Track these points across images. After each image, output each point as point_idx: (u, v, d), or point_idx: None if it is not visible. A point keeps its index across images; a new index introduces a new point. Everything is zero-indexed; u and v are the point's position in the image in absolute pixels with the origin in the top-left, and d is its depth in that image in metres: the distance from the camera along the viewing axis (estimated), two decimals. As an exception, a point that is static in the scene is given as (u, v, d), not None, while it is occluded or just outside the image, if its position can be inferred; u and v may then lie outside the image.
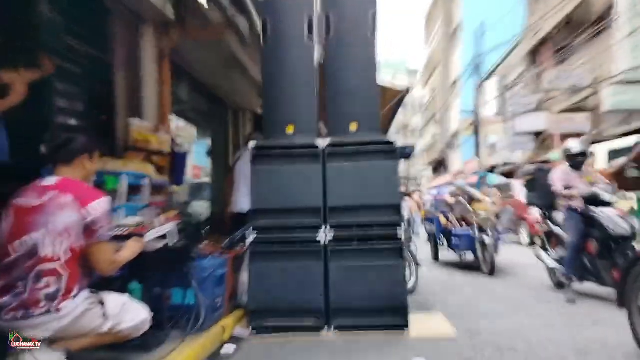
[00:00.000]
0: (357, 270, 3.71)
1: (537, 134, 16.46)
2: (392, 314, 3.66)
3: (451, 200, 7.98)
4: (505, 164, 18.28)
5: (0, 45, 3.15)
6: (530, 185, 6.19)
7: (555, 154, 13.19)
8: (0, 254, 2.12)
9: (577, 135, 13.98)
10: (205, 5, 4.49)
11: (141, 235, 2.85)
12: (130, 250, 2.47)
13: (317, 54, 4.23)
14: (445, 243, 7.99)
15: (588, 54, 13.72)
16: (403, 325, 3.63)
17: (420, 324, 3.82)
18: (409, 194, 15.35)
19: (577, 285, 4.84)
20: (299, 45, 4.11)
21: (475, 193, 7.71)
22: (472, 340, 3.47)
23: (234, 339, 3.58)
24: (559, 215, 5.21)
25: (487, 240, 6.66)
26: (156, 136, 4.19)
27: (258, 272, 3.76)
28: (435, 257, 8.63)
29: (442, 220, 8.01)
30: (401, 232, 3.81)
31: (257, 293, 3.73)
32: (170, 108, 4.83)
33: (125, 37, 4.41)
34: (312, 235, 3.78)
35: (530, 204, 6.38)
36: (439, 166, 33.67)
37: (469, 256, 7.49)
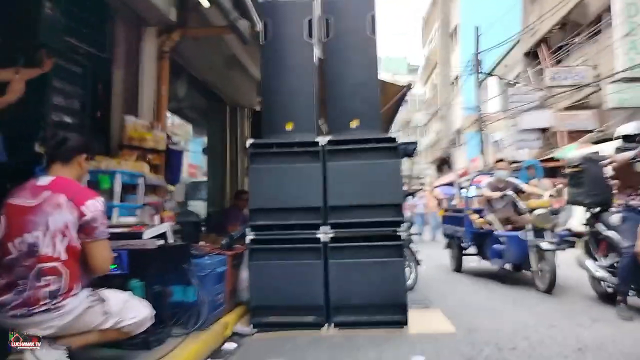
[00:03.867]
0: (357, 267, 3.83)
1: (543, 131, 16.56)
2: (392, 310, 3.78)
3: (492, 194, 6.30)
4: (511, 162, 18.33)
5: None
6: (575, 179, 5.01)
7: (560, 153, 13.29)
8: (0, 252, 2.21)
9: (583, 132, 14.12)
10: (206, 5, 4.57)
11: (139, 235, 2.93)
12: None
13: (316, 52, 4.32)
14: (471, 249, 6.80)
15: (587, 52, 13.93)
16: (402, 322, 3.75)
17: (420, 320, 3.94)
18: (418, 190, 14.96)
19: (633, 300, 4.23)
20: (299, 43, 4.23)
21: (526, 186, 6.33)
22: (472, 337, 3.58)
23: (235, 336, 3.70)
24: (611, 216, 4.49)
25: (546, 246, 5.21)
26: (151, 134, 4.26)
27: (258, 270, 3.88)
28: (458, 267, 7.28)
29: (476, 220, 6.52)
30: (402, 231, 3.90)
31: (257, 290, 3.85)
32: (167, 105, 4.90)
33: (126, 36, 4.49)
34: (312, 233, 3.88)
35: (573, 202, 5.12)
36: (443, 164, 33.72)
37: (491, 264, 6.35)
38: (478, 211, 6.80)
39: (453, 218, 7.45)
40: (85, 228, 2.24)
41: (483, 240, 6.43)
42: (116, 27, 4.41)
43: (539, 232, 5.40)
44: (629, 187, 4.27)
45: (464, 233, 6.69)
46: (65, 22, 3.59)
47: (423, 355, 3.14)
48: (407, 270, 5.06)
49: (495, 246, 5.91)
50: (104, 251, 2.33)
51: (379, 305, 3.78)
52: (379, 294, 3.77)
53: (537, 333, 3.66)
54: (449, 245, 7.69)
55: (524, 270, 6.28)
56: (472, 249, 6.91)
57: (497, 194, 6.21)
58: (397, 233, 3.86)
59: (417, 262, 5.81)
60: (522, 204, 5.85)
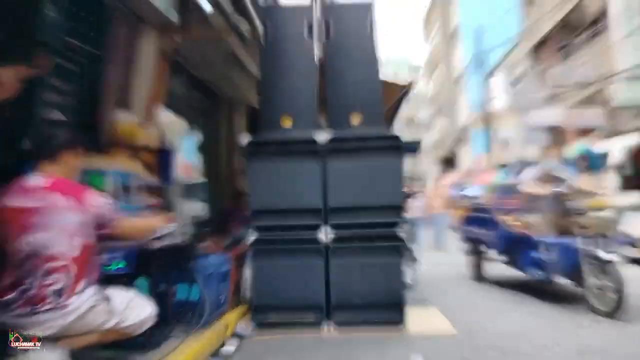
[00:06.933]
0: (357, 267, 3.84)
1: (549, 129, 16.47)
2: (391, 310, 3.79)
3: (539, 190, 5.03)
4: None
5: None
6: None
7: (569, 150, 13.20)
8: (1, 253, 2.20)
9: (591, 130, 14.03)
10: (207, 9, 4.56)
11: None
12: (153, 221, 2.70)
13: (317, 52, 4.34)
14: (499, 256, 5.71)
15: (590, 52, 13.88)
16: (402, 322, 3.77)
17: (418, 320, 3.96)
18: (418, 192, 13.89)
19: None
20: (299, 42, 4.26)
21: (580, 181, 5.04)
22: (471, 339, 3.56)
23: (236, 335, 3.72)
24: None
25: (608, 257, 4.17)
26: (144, 131, 4.22)
27: (260, 270, 3.90)
28: (478, 276, 6.32)
29: (511, 222, 5.33)
30: (402, 232, 3.89)
31: (259, 290, 3.88)
32: (162, 102, 4.88)
33: (122, 34, 4.47)
34: (313, 233, 3.89)
35: None
36: (447, 163, 33.60)
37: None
38: (509, 211, 5.52)
39: (477, 219, 6.19)
40: (103, 223, 2.30)
41: (517, 247, 5.25)
42: (113, 25, 4.39)
43: (595, 240, 4.36)
44: (627, 187, 4.13)
45: (492, 237, 5.59)
46: (58, 18, 3.57)
47: (422, 356, 3.14)
48: (406, 269, 5.03)
49: (536, 255, 4.80)
50: (128, 227, 2.43)
51: (378, 304, 3.80)
52: (378, 294, 3.79)
53: (538, 335, 3.64)
54: (469, 251, 6.65)
55: (574, 285, 4.82)
56: (501, 256, 5.74)
57: (545, 189, 4.95)
58: (398, 234, 3.85)
59: (417, 262, 5.79)
60: (577, 204, 4.70)
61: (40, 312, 2.09)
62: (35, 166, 2.36)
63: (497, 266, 5.99)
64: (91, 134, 4.17)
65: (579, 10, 14.04)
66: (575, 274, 4.55)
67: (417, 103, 41.43)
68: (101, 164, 3.53)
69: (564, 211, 4.85)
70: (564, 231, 4.74)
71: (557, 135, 16.22)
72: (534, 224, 4.93)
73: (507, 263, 5.67)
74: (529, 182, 5.23)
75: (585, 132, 14.08)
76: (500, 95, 20.39)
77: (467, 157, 27.11)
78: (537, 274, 4.91)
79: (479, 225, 6.08)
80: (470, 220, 6.52)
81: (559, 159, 5.46)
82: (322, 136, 3.98)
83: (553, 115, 15.88)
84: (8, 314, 2.10)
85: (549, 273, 4.74)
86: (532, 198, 5.09)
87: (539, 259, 4.77)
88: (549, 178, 5.10)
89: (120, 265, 2.68)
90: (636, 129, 10.75)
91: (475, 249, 6.38)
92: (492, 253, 5.80)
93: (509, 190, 5.69)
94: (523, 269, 5.23)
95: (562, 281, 4.97)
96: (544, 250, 4.71)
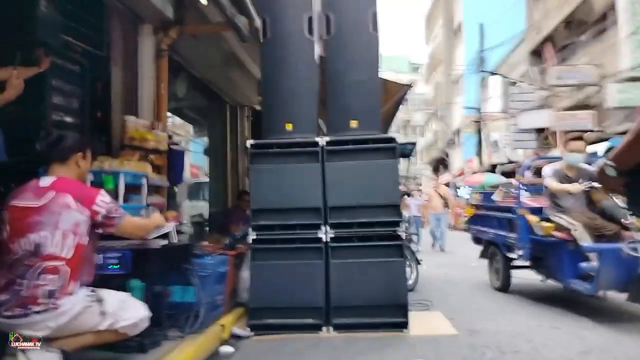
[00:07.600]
0: (357, 268, 3.75)
1: (539, 132, 16.49)
2: (392, 312, 3.70)
3: (568, 187, 4.34)
4: (507, 163, 18.30)
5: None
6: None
7: (557, 152, 13.22)
8: (3, 252, 2.16)
9: (581, 132, 14.04)
10: (204, 2, 4.50)
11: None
12: (156, 219, 2.69)
13: (317, 51, 4.23)
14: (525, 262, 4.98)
15: (591, 51, 13.80)
16: (403, 324, 3.67)
17: (421, 322, 3.87)
18: (415, 191, 13.71)
19: None
20: (299, 42, 4.13)
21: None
22: (473, 340, 3.50)
23: (233, 338, 3.62)
24: None
25: None
26: (153, 134, 4.19)
27: (258, 271, 3.80)
28: (505, 286, 5.41)
29: (540, 224, 4.61)
30: (401, 231, 3.83)
31: (257, 291, 3.78)
32: (167, 105, 4.84)
33: (123, 34, 4.43)
34: (312, 233, 3.81)
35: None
36: (439, 165, 33.69)
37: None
38: (535, 211, 4.88)
39: (495, 219, 5.54)
40: (106, 223, 2.28)
41: (551, 253, 4.58)
42: (113, 25, 4.33)
43: None
44: (610, 190, 4.10)
45: (517, 240, 4.83)
46: (62, 19, 3.53)
47: (424, 359, 3.07)
48: (407, 270, 5.00)
49: (581, 264, 4.04)
50: (131, 224, 2.42)
51: (379, 306, 3.70)
52: (379, 295, 3.70)
53: (540, 336, 3.59)
54: (485, 254, 5.96)
55: (630, 301, 3.93)
56: (528, 262, 5.00)
57: (577, 186, 4.27)
58: (397, 233, 3.79)
59: (418, 262, 5.75)
60: (618, 203, 4.12)
61: (32, 313, 2.05)
62: (47, 168, 2.35)
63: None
64: (101, 136, 4.14)
65: (586, 6, 13.89)
66: (633, 287, 3.78)
67: (414, 106, 41.48)
68: (113, 165, 3.50)
69: (600, 211, 4.28)
70: (601, 235, 4.06)
71: (547, 137, 16.26)
72: (568, 227, 4.21)
73: (538, 271, 5.01)
74: (549, 178, 4.52)
75: (574, 134, 14.09)
76: (494, 97, 20.42)
77: (458, 159, 27.20)
78: (583, 288, 4.05)
79: (496, 225, 5.46)
80: (483, 220, 5.90)
81: (584, 153, 4.61)
82: (322, 138, 3.95)
83: (543, 117, 15.89)
84: (1, 315, 2.06)
85: (599, 286, 3.94)
86: (560, 196, 4.48)
87: (586, 269, 3.99)
88: (572, 173, 4.47)
89: (114, 266, 2.63)
90: (626, 131, 10.76)
91: (497, 252, 5.53)
92: (516, 257, 5.06)
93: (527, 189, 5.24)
94: (563, 281, 4.41)
95: (615, 296, 4.38)
96: (593, 259, 3.92)
